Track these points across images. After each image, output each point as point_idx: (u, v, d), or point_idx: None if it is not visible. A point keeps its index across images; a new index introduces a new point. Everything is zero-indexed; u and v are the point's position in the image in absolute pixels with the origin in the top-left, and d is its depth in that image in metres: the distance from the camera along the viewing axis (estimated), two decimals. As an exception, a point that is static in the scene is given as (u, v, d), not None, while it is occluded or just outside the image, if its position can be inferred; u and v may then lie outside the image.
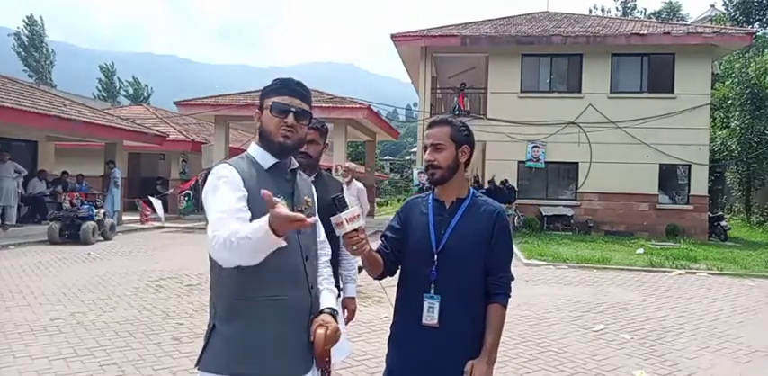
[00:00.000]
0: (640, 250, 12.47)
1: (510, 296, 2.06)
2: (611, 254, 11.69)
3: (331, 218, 1.79)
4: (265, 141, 1.78)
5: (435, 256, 2.01)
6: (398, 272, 2.14)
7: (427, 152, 2.08)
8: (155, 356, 4.55)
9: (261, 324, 1.64)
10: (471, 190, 2.14)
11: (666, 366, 4.65)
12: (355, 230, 1.82)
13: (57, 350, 4.62)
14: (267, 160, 1.77)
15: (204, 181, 1.80)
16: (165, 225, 16.08)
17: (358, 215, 1.83)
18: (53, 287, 7.20)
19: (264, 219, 1.42)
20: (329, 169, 17.98)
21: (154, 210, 16.83)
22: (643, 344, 5.30)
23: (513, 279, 2.09)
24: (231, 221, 1.53)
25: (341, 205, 1.82)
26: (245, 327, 1.63)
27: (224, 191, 1.63)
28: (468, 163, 2.11)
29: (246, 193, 1.64)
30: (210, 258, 1.65)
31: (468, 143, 2.09)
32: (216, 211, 1.58)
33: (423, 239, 2.04)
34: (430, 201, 2.13)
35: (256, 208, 1.60)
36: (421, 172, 17.11)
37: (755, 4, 25.66)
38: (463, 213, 2.05)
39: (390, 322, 2.16)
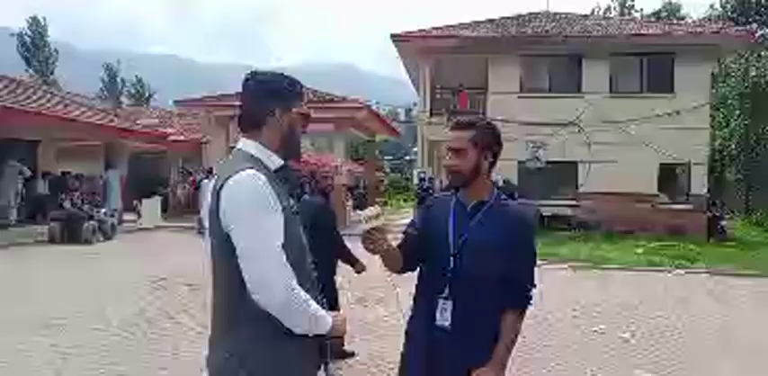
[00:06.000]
0: (640, 250, 12.47)
1: (529, 304, 2.02)
2: (610, 254, 11.70)
3: (351, 214, 1.82)
4: (287, 144, 1.73)
5: (452, 259, 1.99)
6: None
7: (448, 156, 2.03)
8: (155, 356, 4.56)
9: (294, 336, 1.61)
10: (495, 192, 2.07)
11: (666, 366, 4.66)
12: (374, 229, 1.84)
13: (57, 349, 4.63)
14: (275, 162, 1.70)
15: (204, 179, 1.65)
16: (166, 225, 16.06)
17: (378, 214, 1.85)
18: (53, 287, 7.21)
19: (329, 321, 1.65)
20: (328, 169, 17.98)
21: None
22: (643, 344, 5.31)
23: (533, 286, 2.02)
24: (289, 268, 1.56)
25: (360, 204, 1.85)
26: (286, 342, 1.59)
27: (275, 216, 1.57)
28: (494, 164, 2.05)
29: (282, 214, 1.59)
30: (228, 277, 1.57)
31: (491, 145, 2.02)
32: (275, 245, 1.54)
33: (441, 241, 2.02)
34: (453, 202, 2.09)
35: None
36: (421, 172, 17.14)
37: (754, 4, 25.67)
38: (484, 217, 2.01)
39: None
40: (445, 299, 1.98)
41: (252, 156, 1.67)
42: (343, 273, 4.68)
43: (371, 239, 1.88)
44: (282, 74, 1.78)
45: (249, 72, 1.78)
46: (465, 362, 1.95)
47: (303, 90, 1.79)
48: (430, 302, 2.01)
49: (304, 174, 18.10)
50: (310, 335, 1.62)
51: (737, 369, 4.68)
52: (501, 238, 1.96)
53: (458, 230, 2.01)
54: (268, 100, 1.69)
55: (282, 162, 1.72)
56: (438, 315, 1.98)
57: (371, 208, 1.88)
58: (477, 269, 1.96)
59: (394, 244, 2.02)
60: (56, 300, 6.41)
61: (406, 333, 2.14)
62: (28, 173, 13.63)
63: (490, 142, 2.03)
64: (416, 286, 2.14)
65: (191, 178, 19.10)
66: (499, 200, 2.06)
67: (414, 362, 2.06)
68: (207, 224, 1.67)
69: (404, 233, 2.16)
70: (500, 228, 1.98)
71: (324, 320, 1.64)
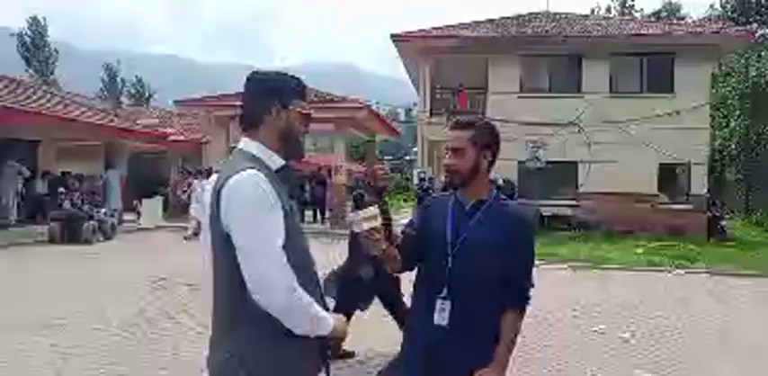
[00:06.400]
0: (640, 250, 12.47)
1: (527, 303, 2.02)
2: (610, 254, 11.70)
3: (348, 215, 1.82)
4: (287, 143, 1.71)
5: (450, 258, 1.99)
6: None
7: (447, 155, 2.04)
8: (155, 356, 4.56)
9: (294, 336, 1.60)
10: (494, 192, 2.08)
11: (666, 366, 4.66)
12: (372, 229, 1.84)
13: (57, 349, 4.63)
14: (276, 162, 1.69)
15: (195, 179, 1.63)
16: (166, 225, 16.06)
17: (375, 215, 1.84)
18: (53, 287, 7.22)
19: (331, 322, 1.64)
20: (329, 169, 18.01)
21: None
22: (643, 344, 5.31)
23: (532, 286, 2.03)
24: (288, 267, 1.55)
25: (359, 204, 1.85)
26: (286, 342, 1.59)
27: (276, 216, 1.56)
28: (492, 163, 2.06)
29: (282, 213, 1.59)
30: (229, 277, 1.56)
31: (490, 145, 2.03)
32: (275, 245, 1.53)
33: (439, 240, 2.02)
34: (452, 201, 2.09)
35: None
36: (421, 172, 17.14)
37: (754, 4, 25.69)
38: (482, 216, 2.01)
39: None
40: (443, 299, 1.97)
41: (253, 155, 1.66)
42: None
43: (370, 240, 1.88)
44: (285, 73, 1.77)
45: (253, 71, 1.78)
46: (464, 361, 1.94)
47: (305, 89, 1.78)
48: (428, 302, 2.01)
49: (305, 174, 18.16)
50: (311, 336, 1.62)
51: (737, 369, 4.68)
52: (500, 238, 1.96)
53: (456, 230, 2.01)
54: (266, 98, 1.69)
55: (284, 162, 1.71)
56: (436, 315, 1.98)
57: (369, 208, 1.87)
58: (475, 269, 1.95)
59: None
60: (56, 300, 6.40)
61: (405, 332, 2.15)
62: (27, 173, 13.65)
63: (489, 142, 2.03)
64: (414, 286, 2.14)
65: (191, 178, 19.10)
66: (498, 199, 2.06)
67: (412, 361, 2.06)
68: (205, 223, 1.67)
69: (402, 233, 2.15)
70: (499, 228, 1.98)
71: (325, 321, 1.63)
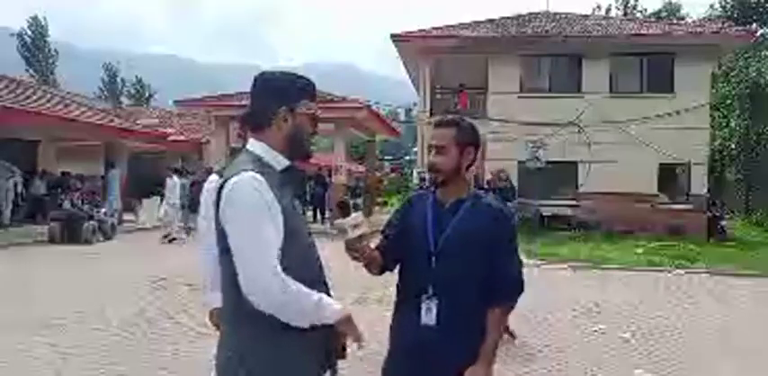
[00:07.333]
0: (640, 250, 12.47)
1: (511, 299, 2.03)
2: (610, 254, 11.69)
3: (335, 222, 1.81)
4: (293, 144, 1.70)
5: (433, 257, 1.99)
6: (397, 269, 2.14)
7: (431, 154, 2.06)
8: (155, 356, 4.56)
9: (295, 334, 1.59)
10: (473, 190, 2.11)
11: (666, 366, 4.66)
12: (361, 236, 1.83)
13: (57, 349, 4.63)
14: (281, 162, 1.68)
15: (203, 181, 1.63)
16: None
17: (362, 221, 1.83)
18: (53, 287, 7.22)
19: (337, 308, 1.63)
20: (329, 169, 18.01)
21: None
22: (643, 344, 5.31)
23: (516, 281, 2.04)
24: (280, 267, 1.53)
25: (345, 211, 1.83)
26: (286, 340, 1.58)
27: (271, 219, 1.55)
28: (472, 164, 2.08)
29: (281, 215, 1.58)
30: (230, 276, 1.56)
31: (472, 145, 2.06)
32: (268, 246, 1.53)
33: (421, 239, 2.02)
34: (430, 201, 2.10)
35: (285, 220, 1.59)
36: (421, 172, 17.13)
37: (754, 4, 25.70)
38: (463, 214, 2.02)
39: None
40: (429, 298, 1.98)
41: (257, 156, 1.66)
42: (341, 271, 4.66)
43: (355, 248, 1.88)
44: (293, 73, 1.76)
45: (262, 72, 1.77)
46: (454, 360, 1.94)
47: (314, 90, 1.76)
48: (413, 302, 2.01)
49: (309, 174, 18.17)
50: (318, 324, 1.59)
51: (737, 369, 4.68)
52: (480, 235, 1.98)
53: (437, 229, 2.02)
54: (272, 99, 1.68)
55: (288, 162, 1.70)
56: (423, 315, 1.98)
57: (355, 215, 1.86)
58: (460, 266, 1.97)
59: (372, 245, 2.03)
60: (56, 300, 6.40)
61: (391, 333, 2.14)
62: (18, 171, 13.55)
63: (471, 141, 2.07)
64: (397, 286, 2.13)
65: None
66: (477, 198, 2.08)
67: (400, 362, 2.05)
68: (203, 225, 1.67)
69: (382, 232, 2.16)
70: (480, 225, 1.99)
71: (331, 308, 1.61)
